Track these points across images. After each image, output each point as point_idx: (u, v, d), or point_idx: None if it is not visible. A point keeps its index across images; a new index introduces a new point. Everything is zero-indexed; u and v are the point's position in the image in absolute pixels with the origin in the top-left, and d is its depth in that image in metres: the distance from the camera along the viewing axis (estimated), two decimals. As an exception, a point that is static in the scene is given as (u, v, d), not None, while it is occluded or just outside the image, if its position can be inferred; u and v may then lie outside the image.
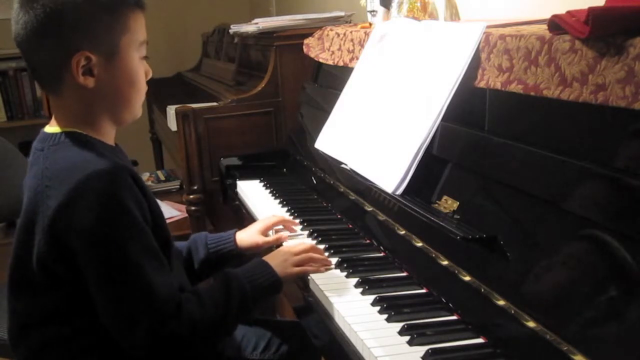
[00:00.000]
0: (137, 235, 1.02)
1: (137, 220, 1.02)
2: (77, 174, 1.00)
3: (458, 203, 1.15)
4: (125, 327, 1.03)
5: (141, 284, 1.01)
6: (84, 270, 1.01)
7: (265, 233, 1.45)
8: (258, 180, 1.97)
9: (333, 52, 1.91)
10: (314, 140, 1.74)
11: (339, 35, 1.90)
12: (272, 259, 1.24)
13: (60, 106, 1.09)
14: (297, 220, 1.55)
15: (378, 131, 1.44)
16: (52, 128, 1.10)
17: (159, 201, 2.82)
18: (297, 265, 1.24)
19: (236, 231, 1.44)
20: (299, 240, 1.44)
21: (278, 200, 1.74)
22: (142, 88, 1.13)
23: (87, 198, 0.99)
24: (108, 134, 1.12)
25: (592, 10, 0.89)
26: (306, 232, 1.48)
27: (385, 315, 1.06)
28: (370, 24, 1.89)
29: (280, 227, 1.49)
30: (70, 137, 1.07)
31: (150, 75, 1.14)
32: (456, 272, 1.06)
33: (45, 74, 1.07)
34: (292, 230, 1.49)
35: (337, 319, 1.10)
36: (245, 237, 1.43)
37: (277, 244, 1.44)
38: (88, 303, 1.03)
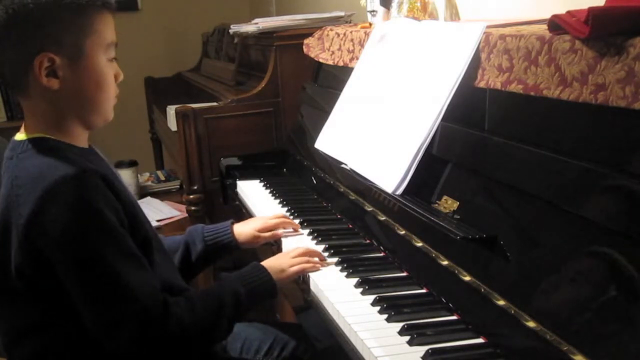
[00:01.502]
0: (111, 238, 1.01)
1: (109, 223, 1.00)
2: (45, 181, 0.98)
3: (458, 203, 1.15)
4: (109, 332, 1.02)
5: (120, 287, 1.00)
6: (63, 278, 1.00)
7: (264, 231, 1.46)
8: (258, 180, 1.97)
9: (333, 52, 1.91)
10: (314, 140, 1.74)
11: (339, 35, 1.90)
12: (268, 263, 1.24)
13: (29, 110, 1.08)
14: (297, 221, 1.55)
15: (378, 131, 1.44)
16: (21, 135, 1.08)
17: (159, 201, 2.82)
18: (295, 265, 1.25)
19: (233, 222, 1.45)
20: (297, 239, 1.44)
21: (278, 200, 1.74)
22: (111, 90, 1.10)
23: (56, 205, 0.97)
24: (79, 137, 1.10)
25: (592, 10, 0.89)
26: (306, 232, 1.48)
27: (385, 315, 1.06)
28: (370, 24, 1.89)
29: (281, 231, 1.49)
30: (37, 143, 1.05)
31: (120, 78, 1.12)
32: (456, 272, 1.06)
33: (11, 77, 1.06)
34: (294, 229, 1.50)
35: (337, 319, 1.10)
36: (244, 231, 1.44)
37: (274, 239, 1.45)
38: (73, 312, 1.02)
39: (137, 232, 1.08)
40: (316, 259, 1.29)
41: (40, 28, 1.01)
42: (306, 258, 1.27)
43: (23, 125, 1.10)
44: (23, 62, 1.02)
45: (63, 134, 1.08)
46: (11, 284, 1.04)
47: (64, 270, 1.00)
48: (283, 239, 1.47)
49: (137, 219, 1.10)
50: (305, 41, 2.11)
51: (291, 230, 1.49)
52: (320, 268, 1.27)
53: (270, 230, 1.46)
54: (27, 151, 1.05)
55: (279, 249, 1.46)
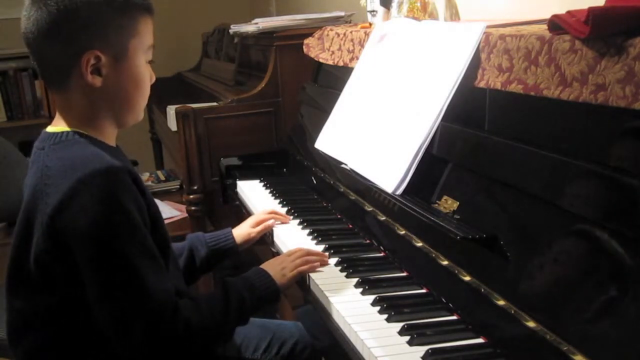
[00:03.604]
0: (134, 237, 1.02)
1: (135, 222, 1.02)
2: (77, 172, 1.00)
3: (458, 203, 1.15)
4: (120, 329, 1.02)
5: (137, 285, 1.01)
6: (81, 270, 1.01)
7: (256, 226, 1.51)
8: (258, 180, 1.97)
9: (333, 52, 1.91)
10: (314, 140, 1.74)
11: (339, 35, 1.90)
12: (269, 266, 1.25)
13: (64, 105, 1.10)
14: (297, 221, 1.55)
15: (378, 131, 1.44)
16: (53, 128, 1.10)
17: (158, 202, 2.82)
18: (295, 268, 1.25)
19: (231, 229, 1.48)
20: (288, 229, 1.49)
21: (278, 200, 1.74)
22: (146, 91, 1.14)
23: (85, 197, 0.99)
24: (109, 135, 1.13)
25: (592, 10, 0.89)
26: (306, 232, 1.49)
27: (385, 315, 1.06)
28: (370, 24, 1.89)
29: (272, 220, 1.55)
30: (71, 136, 1.07)
31: (153, 80, 1.16)
32: (456, 272, 1.06)
33: (54, 71, 1.07)
34: (283, 222, 1.55)
35: (337, 319, 1.10)
36: (239, 232, 1.49)
37: (267, 231, 1.50)
38: (84, 306, 1.03)
39: (158, 233, 1.10)
40: (314, 258, 1.29)
41: (90, 26, 1.03)
42: (305, 259, 1.28)
43: (56, 119, 1.12)
44: (70, 58, 1.04)
45: (95, 130, 1.10)
46: (28, 273, 1.06)
47: (84, 263, 1.01)
48: (275, 230, 1.51)
49: (159, 221, 1.13)
50: (305, 41, 2.11)
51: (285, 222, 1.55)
52: (320, 269, 1.27)
53: (262, 222, 1.52)
54: (60, 143, 1.07)
55: (271, 242, 1.49)
